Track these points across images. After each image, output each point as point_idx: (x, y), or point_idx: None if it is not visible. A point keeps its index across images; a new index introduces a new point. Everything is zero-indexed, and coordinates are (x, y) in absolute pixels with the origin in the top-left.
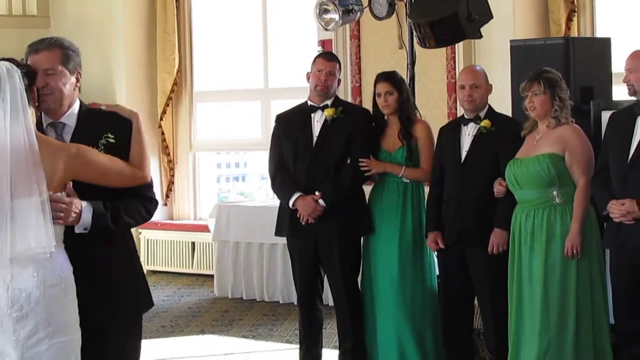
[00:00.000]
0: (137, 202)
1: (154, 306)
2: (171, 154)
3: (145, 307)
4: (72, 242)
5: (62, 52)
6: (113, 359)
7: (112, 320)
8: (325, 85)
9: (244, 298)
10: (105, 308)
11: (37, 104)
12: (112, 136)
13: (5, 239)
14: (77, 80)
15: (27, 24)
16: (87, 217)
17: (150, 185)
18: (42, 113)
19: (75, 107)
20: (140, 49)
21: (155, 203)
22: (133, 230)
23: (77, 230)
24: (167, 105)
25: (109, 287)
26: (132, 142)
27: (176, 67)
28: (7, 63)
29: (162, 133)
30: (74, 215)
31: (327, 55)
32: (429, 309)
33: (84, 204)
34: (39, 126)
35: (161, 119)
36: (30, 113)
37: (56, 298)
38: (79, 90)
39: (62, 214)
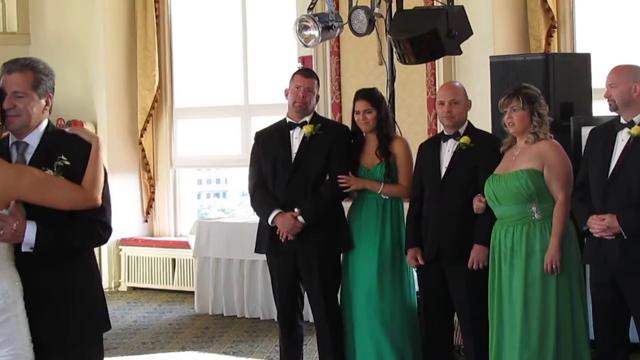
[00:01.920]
0: (88, 225)
1: (111, 328)
2: (151, 171)
3: (104, 327)
4: (24, 262)
5: (34, 75)
6: None
7: (66, 341)
8: (304, 102)
9: (225, 314)
10: (58, 328)
11: (1, 123)
12: (66, 158)
13: None
14: (47, 103)
15: (7, 41)
16: (30, 235)
17: (103, 210)
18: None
19: (41, 127)
20: (120, 65)
21: (108, 228)
22: (113, 246)
23: (23, 249)
24: (147, 121)
25: (62, 308)
26: (88, 165)
27: (156, 83)
28: None
29: (143, 150)
30: (11, 232)
31: (305, 72)
32: (408, 325)
33: (29, 223)
34: (5, 143)
35: (141, 136)
36: None
37: (1, 311)
38: (49, 112)
39: (1, 231)
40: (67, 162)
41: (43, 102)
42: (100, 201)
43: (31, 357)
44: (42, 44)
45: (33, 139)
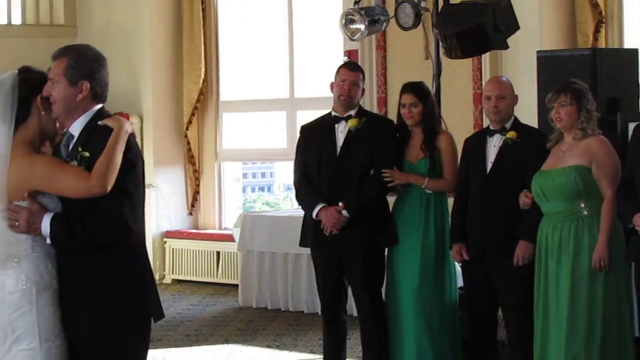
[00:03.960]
0: (97, 218)
1: (163, 317)
2: (197, 164)
3: (147, 319)
4: (59, 254)
5: (68, 61)
6: None
7: (101, 334)
8: (349, 95)
9: (269, 308)
10: (92, 321)
11: (44, 112)
12: (86, 150)
13: None
14: (82, 91)
15: (54, 34)
16: (46, 227)
17: (116, 202)
18: None
19: (85, 117)
20: (166, 58)
21: (120, 222)
22: (158, 239)
23: (47, 241)
24: (193, 114)
25: (96, 300)
26: (103, 152)
27: (202, 76)
28: (7, 73)
29: (188, 143)
30: (25, 223)
31: (350, 65)
32: (448, 319)
33: (47, 214)
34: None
35: (187, 129)
36: (36, 120)
37: (16, 305)
38: (95, 100)
39: (17, 223)
40: (86, 154)
41: (76, 89)
42: (107, 189)
43: (58, 352)
44: (88, 37)
45: (75, 129)
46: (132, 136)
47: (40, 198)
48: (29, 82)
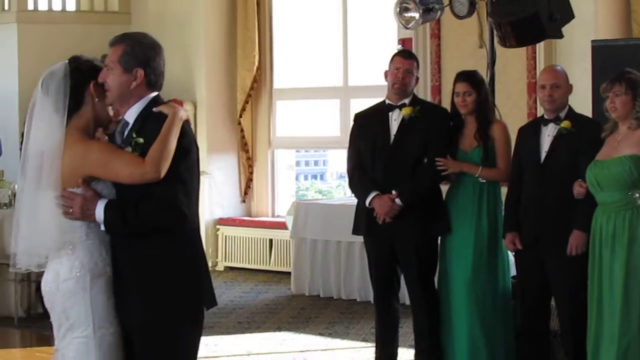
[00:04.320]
0: (151, 204)
1: (216, 305)
2: (250, 151)
3: (198, 306)
4: (114, 241)
5: (124, 48)
6: (165, 356)
7: (153, 321)
8: (403, 84)
9: (321, 296)
10: (144, 308)
11: (97, 99)
12: (140, 136)
13: (33, 230)
14: (137, 78)
15: (109, 20)
16: (100, 214)
17: (170, 189)
18: None
19: (140, 104)
20: (220, 45)
21: (174, 208)
22: (210, 226)
23: (102, 228)
24: (246, 102)
25: (148, 287)
26: (157, 138)
27: (256, 64)
28: (58, 64)
29: (242, 130)
30: (79, 210)
31: (404, 54)
32: (500, 309)
33: (100, 201)
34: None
35: (240, 116)
36: (90, 107)
37: (70, 292)
38: (151, 88)
39: (71, 209)
40: (140, 140)
41: (130, 76)
42: (161, 175)
43: (112, 340)
44: (142, 24)
45: (130, 116)
46: (186, 123)
47: (94, 185)
48: (81, 71)
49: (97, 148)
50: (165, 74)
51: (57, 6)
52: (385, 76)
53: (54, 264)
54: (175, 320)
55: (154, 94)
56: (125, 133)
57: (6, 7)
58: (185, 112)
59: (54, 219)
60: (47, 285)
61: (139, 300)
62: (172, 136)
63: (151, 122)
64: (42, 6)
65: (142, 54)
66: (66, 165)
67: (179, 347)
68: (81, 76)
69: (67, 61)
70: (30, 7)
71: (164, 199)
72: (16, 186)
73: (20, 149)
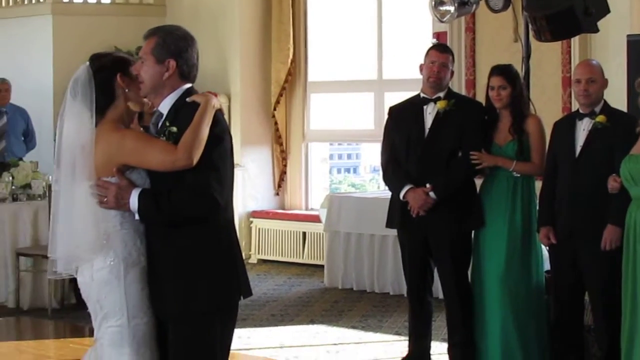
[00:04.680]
0: (184, 192)
1: (251, 295)
2: (284, 144)
3: (230, 298)
4: (155, 229)
5: (156, 40)
6: (199, 345)
7: (186, 312)
8: (438, 77)
9: (354, 289)
10: (176, 299)
11: (127, 89)
12: (174, 125)
13: (70, 227)
14: (169, 69)
15: (144, 12)
16: (134, 203)
17: (203, 177)
18: None
19: (174, 95)
20: (254, 38)
21: (207, 196)
22: (244, 218)
23: (136, 217)
24: (280, 95)
25: (181, 278)
26: (189, 126)
27: (290, 57)
28: (80, 68)
29: (276, 123)
30: (114, 199)
31: (440, 47)
32: (534, 303)
33: (135, 190)
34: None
35: (274, 109)
36: (122, 99)
37: (103, 282)
38: (184, 79)
39: (105, 198)
40: (173, 129)
41: (163, 67)
42: (193, 162)
43: (145, 329)
44: (177, 16)
45: (164, 107)
46: (219, 112)
47: (128, 174)
48: (104, 67)
49: (131, 136)
50: (199, 66)
51: None
52: (421, 69)
53: (91, 257)
54: (209, 310)
55: (188, 85)
56: (160, 124)
57: None
58: (218, 101)
59: (89, 210)
60: (82, 276)
61: (173, 290)
62: (205, 124)
63: (184, 111)
64: None
65: (174, 45)
66: (100, 154)
67: (212, 337)
68: (106, 72)
69: (87, 63)
70: None
71: (197, 187)
72: (51, 177)
73: (55, 141)
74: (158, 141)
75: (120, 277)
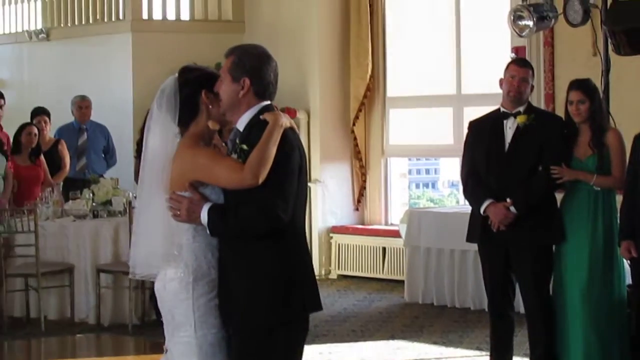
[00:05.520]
0: (249, 208)
1: (321, 309)
2: (363, 159)
3: (310, 309)
4: (227, 243)
5: (233, 59)
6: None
7: (261, 321)
8: (518, 92)
9: (435, 304)
10: (251, 308)
11: (211, 105)
12: (245, 144)
13: (148, 235)
14: (244, 87)
15: (223, 29)
16: (204, 216)
17: (268, 193)
18: None
19: (249, 113)
20: (333, 54)
21: (269, 212)
22: (324, 234)
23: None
24: (359, 110)
25: (245, 292)
26: (257, 145)
27: (369, 72)
28: (168, 79)
29: (355, 138)
30: (186, 213)
31: (520, 62)
32: (616, 318)
33: (205, 204)
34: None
35: (354, 124)
36: (205, 115)
37: (174, 293)
38: (260, 97)
39: (179, 212)
40: (244, 147)
41: (238, 85)
42: (259, 180)
43: (213, 341)
44: (256, 33)
45: (241, 124)
46: (290, 130)
47: (202, 189)
48: (190, 82)
49: (203, 154)
50: (277, 83)
51: (171, 15)
52: (500, 84)
53: (164, 265)
54: (269, 324)
55: (265, 103)
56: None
57: (121, 17)
58: (287, 119)
59: (165, 221)
60: (157, 286)
61: (236, 303)
62: (272, 143)
63: (256, 129)
64: (157, 15)
65: (249, 63)
66: (176, 169)
67: (273, 352)
68: (191, 87)
69: (176, 75)
70: (145, 16)
71: (262, 204)
72: (131, 194)
73: (135, 158)
74: (227, 160)
75: (189, 289)
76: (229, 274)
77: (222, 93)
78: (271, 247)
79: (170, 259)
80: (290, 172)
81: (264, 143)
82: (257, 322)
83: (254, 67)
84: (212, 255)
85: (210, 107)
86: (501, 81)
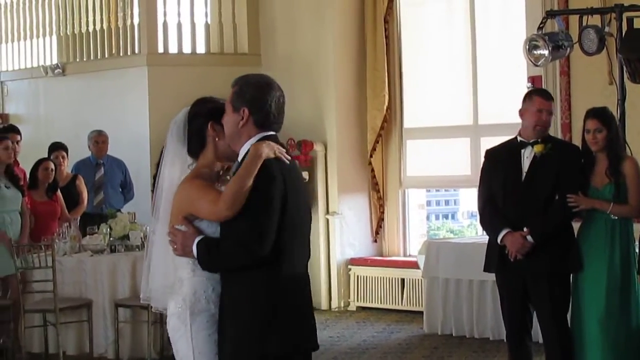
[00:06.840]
0: (224, 242)
1: (317, 349)
2: (381, 191)
3: (304, 346)
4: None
5: (235, 89)
6: None
7: (249, 356)
8: (545, 126)
9: (454, 334)
10: (232, 345)
11: (217, 138)
12: (229, 176)
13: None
14: (243, 117)
15: (239, 62)
16: (194, 250)
17: (240, 227)
18: None
19: (249, 143)
20: (350, 86)
21: (243, 246)
22: (342, 266)
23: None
24: (377, 142)
25: (244, 323)
26: (234, 176)
27: (386, 104)
28: (181, 112)
29: (372, 170)
30: (181, 246)
31: (545, 94)
32: (634, 347)
33: (198, 237)
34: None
35: (371, 156)
36: (212, 147)
37: (175, 327)
38: (261, 127)
39: (175, 245)
40: (227, 178)
41: (238, 115)
42: (232, 212)
43: None
44: (272, 65)
45: (241, 155)
46: (275, 160)
47: (198, 222)
48: (199, 115)
49: (195, 187)
50: (294, 114)
51: (186, 48)
52: (521, 115)
53: (170, 299)
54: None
55: (266, 133)
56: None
57: (137, 51)
58: (270, 150)
59: (170, 255)
60: (166, 319)
61: (225, 337)
62: (247, 175)
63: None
64: (172, 48)
65: (248, 93)
66: (175, 202)
67: None
68: (200, 119)
69: (188, 107)
70: (160, 49)
71: (239, 237)
72: (148, 228)
73: (152, 192)
74: (212, 192)
75: (187, 323)
76: (222, 307)
77: (224, 124)
78: (257, 280)
79: (172, 294)
80: (268, 203)
81: (239, 175)
82: (240, 356)
83: (254, 96)
84: (213, 289)
85: (217, 139)
86: (521, 112)
